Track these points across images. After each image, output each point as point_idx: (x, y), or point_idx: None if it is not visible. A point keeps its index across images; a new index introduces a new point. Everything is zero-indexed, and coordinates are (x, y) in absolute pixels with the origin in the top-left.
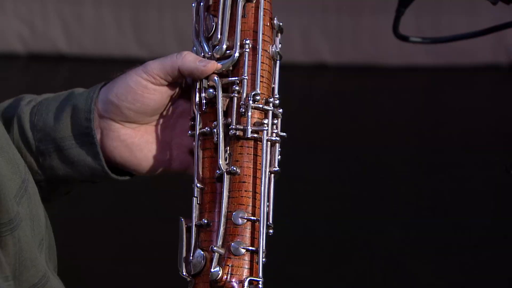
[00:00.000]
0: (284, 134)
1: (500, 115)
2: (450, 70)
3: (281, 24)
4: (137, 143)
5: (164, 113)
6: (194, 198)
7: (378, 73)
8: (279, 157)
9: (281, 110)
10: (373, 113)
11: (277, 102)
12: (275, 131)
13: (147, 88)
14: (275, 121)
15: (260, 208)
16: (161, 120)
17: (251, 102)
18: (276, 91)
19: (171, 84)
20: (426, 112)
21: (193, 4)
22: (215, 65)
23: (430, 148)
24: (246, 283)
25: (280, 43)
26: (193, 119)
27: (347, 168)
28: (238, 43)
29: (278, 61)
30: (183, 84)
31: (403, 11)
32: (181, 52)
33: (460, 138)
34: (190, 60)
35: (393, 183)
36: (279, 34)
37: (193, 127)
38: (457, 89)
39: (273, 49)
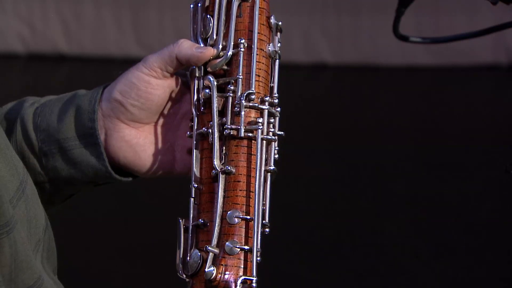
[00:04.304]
0: (282, 133)
1: (500, 115)
2: (450, 70)
3: (279, 23)
4: (141, 143)
5: (168, 114)
6: (191, 199)
7: (378, 73)
8: (276, 156)
9: (279, 109)
10: (373, 113)
11: (275, 101)
12: (272, 130)
13: (150, 83)
14: (272, 120)
15: (254, 207)
16: (165, 121)
17: (243, 101)
18: (275, 90)
19: (173, 79)
20: (426, 112)
21: (191, 5)
22: (211, 51)
23: (430, 148)
24: (239, 282)
25: (279, 42)
26: (192, 119)
27: (346, 167)
28: (232, 43)
29: (277, 60)
30: (182, 80)
31: (403, 11)
32: (177, 40)
33: (460, 138)
34: (186, 47)
35: (392, 183)
36: (278, 33)
37: (192, 128)
38: (457, 89)
39: (270, 48)
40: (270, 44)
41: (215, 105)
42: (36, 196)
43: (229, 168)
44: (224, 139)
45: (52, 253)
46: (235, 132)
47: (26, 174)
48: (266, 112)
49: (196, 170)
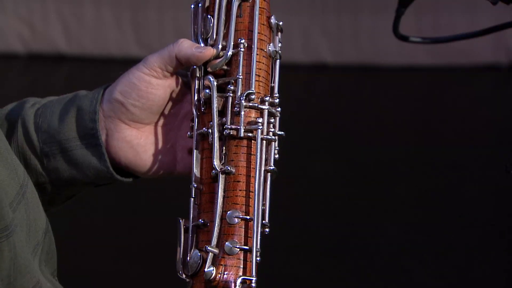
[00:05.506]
0: (282, 133)
1: (500, 115)
2: (450, 70)
3: (280, 23)
4: (142, 144)
5: (169, 114)
6: (192, 199)
7: (378, 73)
8: (277, 156)
9: (279, 109)
10: (373, 113)
11: (276, 101)
12: (272, 130)
13: (150, 83)
14: (272, 120)
15: (254, 207)
16: (166, 122)
17: (243, 101)
18: (276, 90)
19: (174, 79)
20: (426, 112)
21: (191, 6)
22: (211, 51)
23: (430, 148)
24: (238, 282)
25: (280, 42)
26: (193, 120)
27: (346, 167)
28: (232, 43)
29: (278, 60)
30: (184, 81)
31: (403, 11)
32: (177, 40)
33: (460, 138)
34: (186, 46)
35: (392, 183)
36: (279, 33)
37: (192, 128)
38: (457, 89)
39: (271, 48)
40: (271, 44)
41: (215, 105)
42: (36, 200)
43: (229, 168)
44: (224, 139)
45: (52, 256)
46: (234, 132)
47: (27, 178)
48: (266, 112)
49: (196, 170)
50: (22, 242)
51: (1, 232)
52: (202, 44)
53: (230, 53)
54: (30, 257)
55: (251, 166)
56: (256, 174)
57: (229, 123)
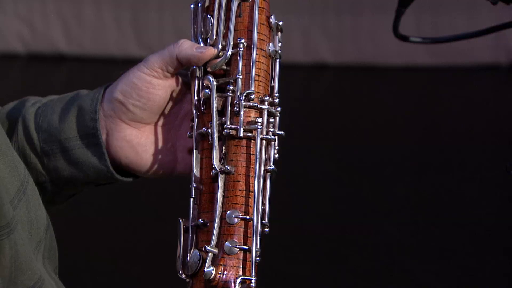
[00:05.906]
0: (282, 132)
1: (499, 115)
2: (450, 70)
3: (279, 23)
4: (143, 143)
5: (170, 114)
6: (191, 199)
7: (378, 73)
8: (276, 156)
9: (279, 109)
10: (373, 112)
11: (276, 101)
12: (271, 129)
13: (151, 83)
14: (272, 120)
15: (253, 207)
16: (166, 121)
17: (242, 101)
18: (276, 90)
19: (174, 79)
20: (426, 112)
21: (191, 5)
22: (211, 51)
23: (430, 148)
24: (238, 282)
25: (280, 41)
26: (193, 120)
27: (346, 167)
28: (231, 43)
29: (278, 60)
30: (184, 81)
31: (403, 11)
32: (178, 41)
33: (460, 138)
34: (186, 47)
35: (392, 182)
36: (279, 33)
37: (192, 128)
38: (457, 89)
39: (270, 48)
40: (270, 44)
41: (215, 105)
42: (37, 197)
43: (228, 168)
44: (224, 139)
45: (53, 253)
46: (234, 132)
47: (27, 175)
48: (265, 111)
49: (196, 170)
50: (24, 240)
51: (2, 230)
52: (202, 44)
53: (229, 53)
54: (32, 255)
55: (251, 166)
56: (255, 174)
57: (228, 123)
